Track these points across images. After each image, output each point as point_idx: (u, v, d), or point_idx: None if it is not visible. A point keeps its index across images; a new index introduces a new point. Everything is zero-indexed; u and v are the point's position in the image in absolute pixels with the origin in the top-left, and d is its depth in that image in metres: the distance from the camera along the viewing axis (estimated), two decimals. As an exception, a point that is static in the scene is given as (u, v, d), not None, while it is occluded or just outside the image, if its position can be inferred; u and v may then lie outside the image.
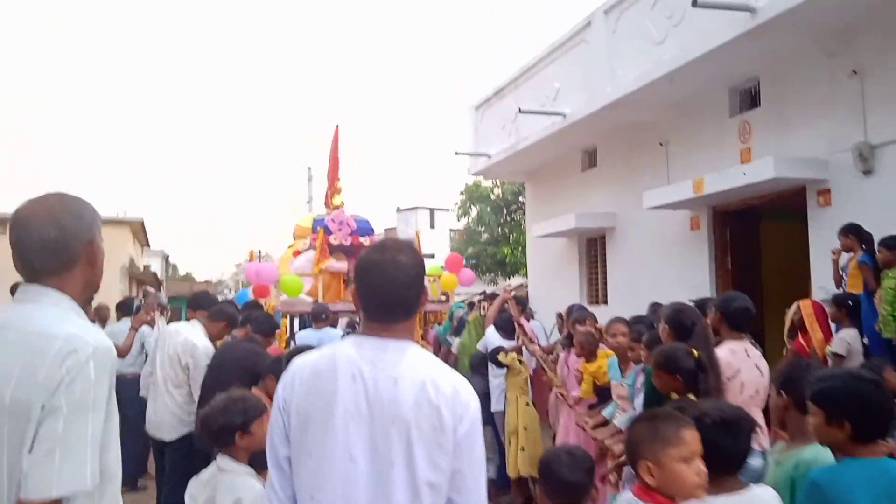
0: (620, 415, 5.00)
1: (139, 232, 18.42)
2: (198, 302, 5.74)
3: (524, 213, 29.02)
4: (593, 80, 9.24)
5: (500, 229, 28.51)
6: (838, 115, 6.85)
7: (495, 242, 28.00)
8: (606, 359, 5.45)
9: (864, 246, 5.76)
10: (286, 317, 8.85)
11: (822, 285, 6.92)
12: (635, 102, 8.84)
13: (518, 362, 6.22)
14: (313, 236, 9.83)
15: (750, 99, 8.19)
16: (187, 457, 5.11)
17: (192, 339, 5.06)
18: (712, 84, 8.28)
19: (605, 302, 10.88)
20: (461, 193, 28.88)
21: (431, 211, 46.86)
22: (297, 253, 9.73)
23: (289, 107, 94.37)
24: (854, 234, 5.84)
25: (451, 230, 41.12)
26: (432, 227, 44.94)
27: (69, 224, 1.70)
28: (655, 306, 6.32)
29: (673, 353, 3.34)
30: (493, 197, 28.65)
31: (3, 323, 1.63)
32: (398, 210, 46.67)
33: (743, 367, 3.76)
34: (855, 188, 6.71)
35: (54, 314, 1.62)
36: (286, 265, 9.61)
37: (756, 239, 8.88)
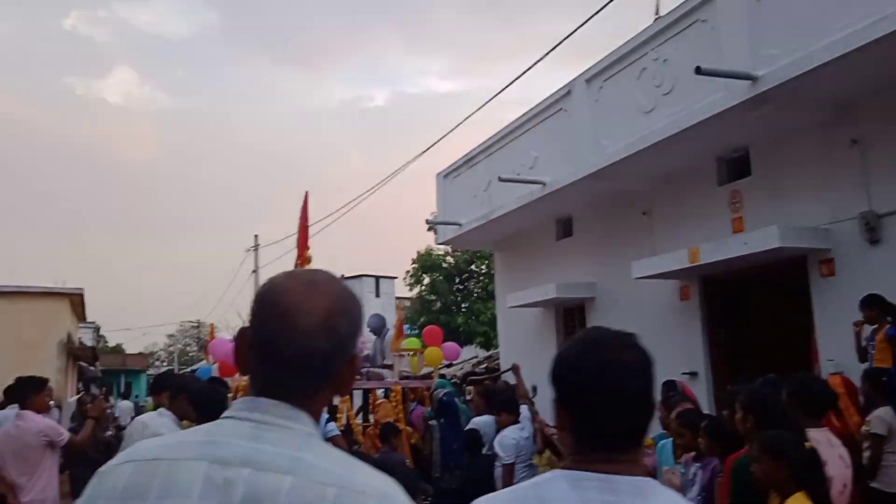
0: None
1: (77, 305, 17.24)
2: (159, 383, 5.09)
3: (477, 282, 28.93)
4: (575, 149, 9.09)
5: (453, 298, 28.16)
6: (838, 185, 6.80)
7: (448, 311, 27.58)
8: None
9: (889, 318, 5.56)
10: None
11: (832, 359, 6.72)
12: (620, 172, 8.69)
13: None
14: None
15: (739, 168, 8.14)
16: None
17: (161, 432, 4.35)
18: (700, 153, 8.20)
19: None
20: (413, 262, 28.56)
21: (377, 279, 46.26)
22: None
23: (232, 173, 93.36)
24: (877, 306, 5.65)
25: (396, 298, 40.65)
26: (377, 295, 44.24)
27: (345, 333, 1.19)
28: (670, 385, 5.96)
29: (783, 438, 2.92)
30: (444, 265, 28.38)
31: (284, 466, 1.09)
32: (342, 277, 45.87)
33: (829, 459, 3.38)
34: (860, 257, 6.59)
35: (328, 455, 1.13)
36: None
37: (748, 310, 8.71)
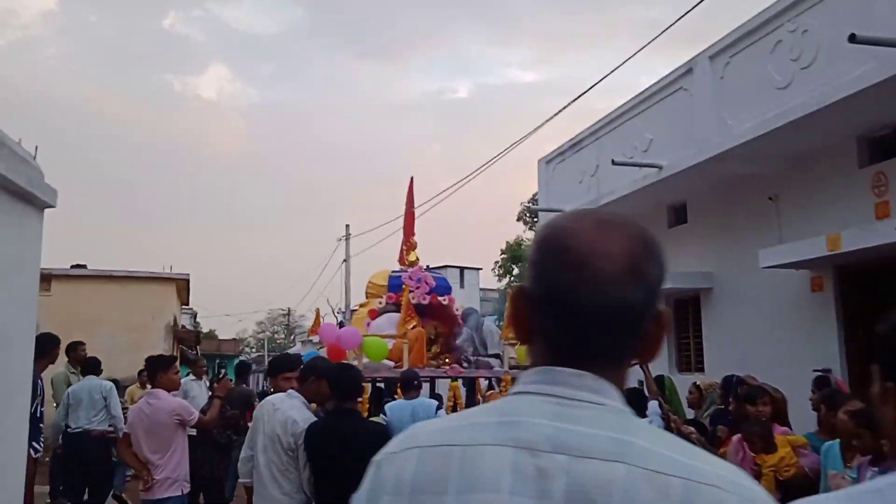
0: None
1: (182, 290, 17.84)
2: (277, 365, 5.03)
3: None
4: (696, 130, 8.59)
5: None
6: None
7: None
8: (789, 447, 4.61)
9: None
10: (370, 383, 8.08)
11: None
12: (747, 154, 8.15)
13: None
14: (390, 294, 9.12)
15: (884, 148, 7.47)
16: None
17: (291, 414, 4.26)
18: (838, 132, 7.58)
19: (701, 370, 9.98)
20: (502, 252, 28.33)
21: (461, 270, 46.42)
22: (373, 312, 8.99)
23: (318, 165, 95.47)
24: None
25: (480, 289, 40.64)
26: (462, 286, 44.37)
27: (654, 280, 0.94)
28: (823, 380, 5.47)
29: None
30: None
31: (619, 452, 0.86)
32: (427, 268, 46.17)
33: None
34: None
35: (661, 439, 0.90)
36: (361, 326, 8.87)
37: (891, 303, 8.01)
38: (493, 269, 28.30)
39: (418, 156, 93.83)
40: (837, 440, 4.23)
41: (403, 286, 8.44)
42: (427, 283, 9.14)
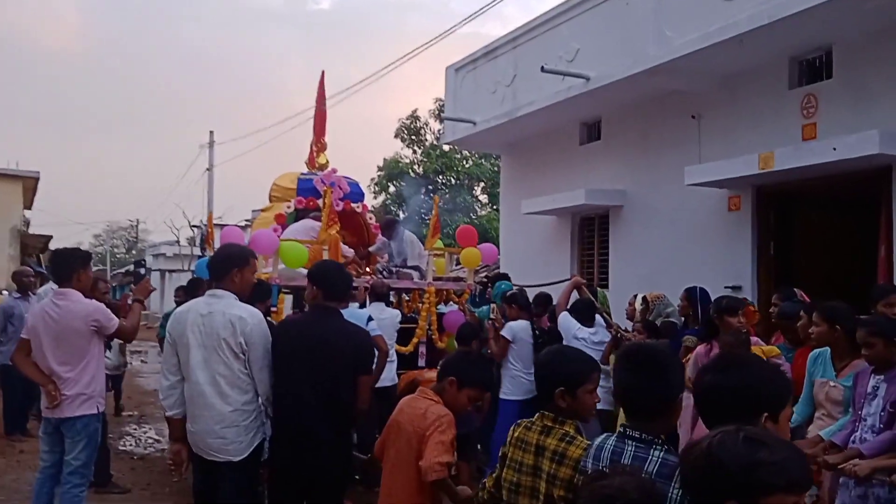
0: (823, 422, 4.12)
1: (30, 190, 15.74)
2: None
3: (444, 194, 28.15)
4: (631, 41, 8.34)
5: (418, 208, 27.40)
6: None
7: (412, 221, 26.71)
8: (764, 357, 4.58)
9: None
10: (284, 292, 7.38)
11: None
12: (681, 69, 8.04)
13: None
14: (299, 199, 8.36)
15: (815, 71, 7.58)
16: (253, 479, 3.76)
17: (234, 312, 3.61)
18: (773, 52, 7.59)
19: (605, 286, 10.09)
20: (379, 169, 27.52)
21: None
22: (280, 217, 8.19)
23: (173, 70, 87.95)
24: None
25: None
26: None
27: None
28: (789, 293, 5.47)
29: None
30: (412, 175, 27.47)
31: None
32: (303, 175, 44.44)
33: None
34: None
35: None
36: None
37: (802, 224, 8.35)
38: (369, 185, 27.46)
39: (282, 68, 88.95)
40: (825, 349, 4.22)
41: (325, 189, 7.70)
42: (341, 189, 8.45)
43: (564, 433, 2.41)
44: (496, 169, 27.78)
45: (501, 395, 6.36)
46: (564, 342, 6.12)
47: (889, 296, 4.71)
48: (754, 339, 4.81)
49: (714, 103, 8.54)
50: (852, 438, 3.73)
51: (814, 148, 6.89)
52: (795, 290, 5.27)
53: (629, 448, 2.08)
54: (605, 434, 2.24)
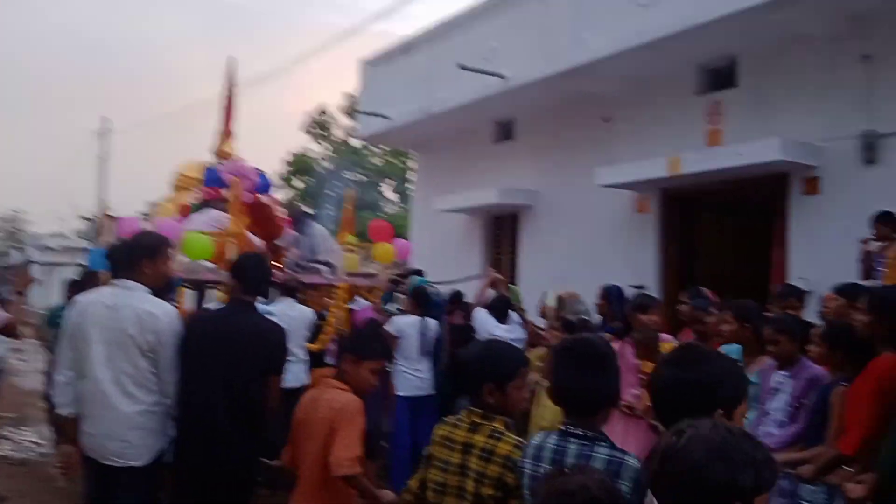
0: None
1: None
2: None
3: (357, 190, 27.74)
4: (549, 42, 8.41)
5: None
6: (837, 101, 6.68)
7: (324, 217, 26.15)
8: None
9: (903, 236, 5.54)
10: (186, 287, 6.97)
11: (804, 277, 6.75)
12: (596, 71, 8.17)
13: None
14: (206, 189, 7.94)
15: (721, 78, 7.87)
16: (154, 485, 3.50)
17: (144, 307, 3.32)
18: (681, 58, 7.84)
19: (514, 285, 10.15)
20: (288, 164, 26.80)
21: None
22: (184, 208, 7.76)
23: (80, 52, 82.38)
24: (892, 223, 5.62)
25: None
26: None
27: None
28: (696, 291, 5.59)
29: None
30: (318, 170, 26.94)
31: None
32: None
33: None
34: (850, 177, 6.58)
35: None
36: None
37: (705, 227, 8.67)
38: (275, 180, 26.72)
39: (176, 52, 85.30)
40: (734, 346, 4.33)
41: (232, 179, 7.34)
42: (250, 179, 8.09)
43: (493, 430, 2.31)
44: (405, 166, 27.71)
45: (395, 392, 6.22)
46: (479, 339, 6.07)
47: (788, 298, 4.92)
48: (666, 336, 4.90)
49: (625, 106, 8.75)
50: (757, 433, 3.84)
51: (719, 153, 7.15)
52: (702, 288, 5.41)
53: (572, 446, 2.01)
54: (544, 433, 2.16)
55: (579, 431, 2.01)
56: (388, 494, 2.79)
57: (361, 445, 2.83)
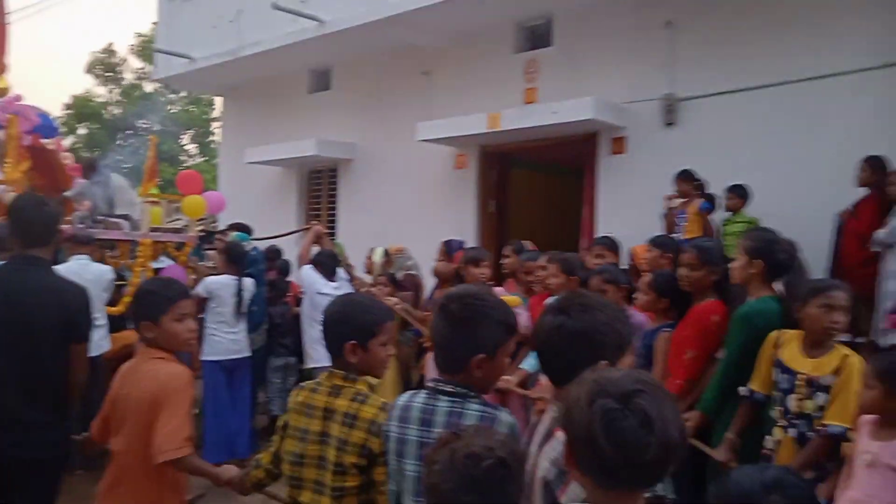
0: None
1: None
2: None
3: (143, 139, 25.50)
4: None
5: (116, 154, 24.47)
6: (643, 65, 7.08)
7: (112, 169, 23.74)
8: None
9: (702, 193, 6.03)
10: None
11: (611, 233, 7.18)
12: (416, 22, 8.02)
13: None
14: (-22, 129, 6.80)
15: (538, 37, 8.05)
16: (57, 479, 3.00)
17: None
18: (498, 15, 7.91)
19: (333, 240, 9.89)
20: (67, 108, 23.95)
21: None
22: (-56, 153, 6.58)
23: None
24: (691, 180, 6.08)
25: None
26: None
27: None
28: (519, 246, 5.71)
29: None
30: (106, 116, 24.42)
31: None
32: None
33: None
34: (653, 138, 7.04)
35: None
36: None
37: (520, 184, 8.92)
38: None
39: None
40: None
41: (9, 118, 6.32)
42: (30, 120, 7.03)
43: (356, 392, 2.13)
44: (207, 116, 25.91)
45: (202, 357, 5.73)
46: (306, 297, 5.79)
47: (595, 247, 5.18)
48: (498, 289, 4.95)
49: (446, 61, 8.70)
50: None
51: (536, 110, 7.33)
52: (524, 242, 5.54)
53: (441, 405, 1.87)
54: (410, 392, 2.01)
55: (448, 388, 1.89)
56: (229, 470, 2.49)
57: (191, 423, 2.49)
